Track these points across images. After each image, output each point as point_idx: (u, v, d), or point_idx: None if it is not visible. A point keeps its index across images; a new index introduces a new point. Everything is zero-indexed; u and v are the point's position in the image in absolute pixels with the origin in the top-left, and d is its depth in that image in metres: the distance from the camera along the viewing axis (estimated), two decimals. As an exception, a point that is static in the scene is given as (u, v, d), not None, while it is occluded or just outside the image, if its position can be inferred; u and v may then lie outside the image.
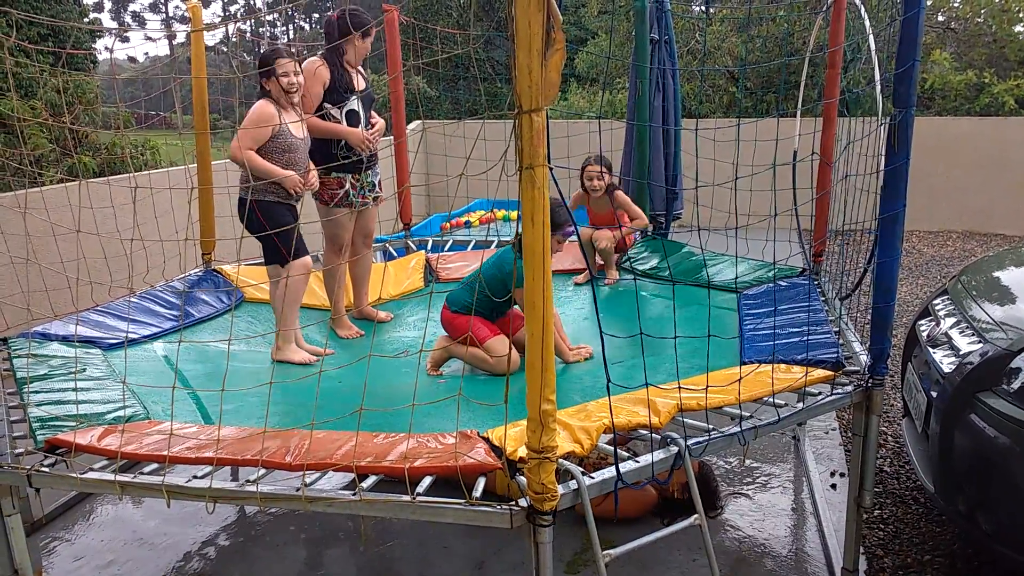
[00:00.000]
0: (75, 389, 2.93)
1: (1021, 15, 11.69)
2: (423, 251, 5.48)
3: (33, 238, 3.95)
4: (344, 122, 4.15)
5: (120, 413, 2.78)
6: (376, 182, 4.42)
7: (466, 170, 2.53)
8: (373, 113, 4.35)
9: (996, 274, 3.73)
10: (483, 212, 8.60)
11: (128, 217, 3.78)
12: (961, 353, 3.01)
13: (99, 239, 3.47)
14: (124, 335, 3.72)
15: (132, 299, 4.12)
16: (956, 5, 12.67)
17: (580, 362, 3.69)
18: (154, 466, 2.42)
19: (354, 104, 4.17)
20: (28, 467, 2.42)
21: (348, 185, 4.23)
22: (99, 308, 3.96)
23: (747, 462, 4.07)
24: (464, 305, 3.68)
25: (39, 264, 3.64)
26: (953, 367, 2.97)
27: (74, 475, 2.39)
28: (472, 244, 5.74)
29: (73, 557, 3.43)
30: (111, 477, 2.35)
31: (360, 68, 4.33)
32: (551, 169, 1.95)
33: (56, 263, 3.68)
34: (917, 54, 2.53)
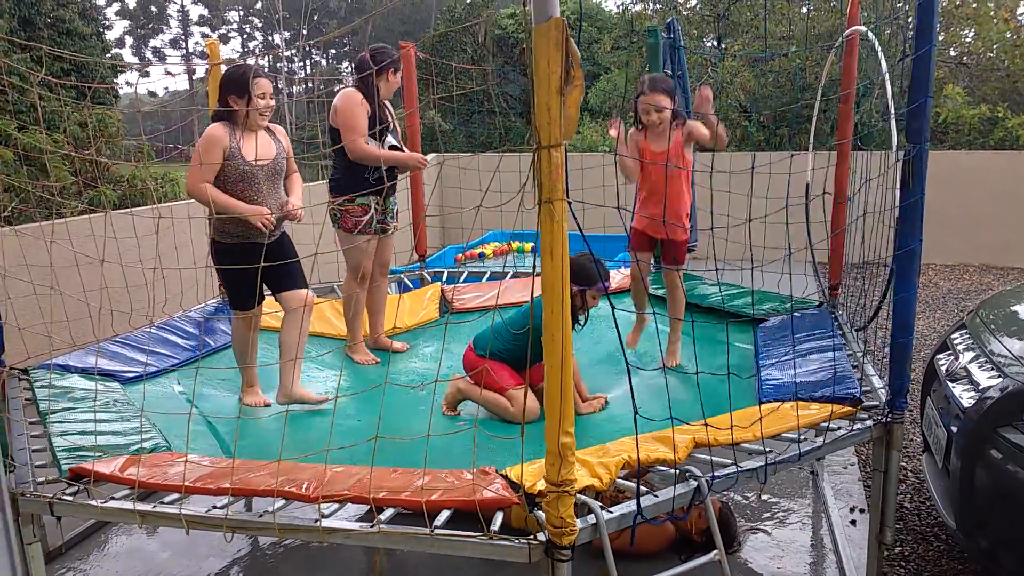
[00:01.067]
0: (95, 420, 2.96)
1: (1033, 50, 11.73)
2: (438, 283, 5.51)
3: (55, 269, 4.00)
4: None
5: (142, 445, 2.80)
6: (395, 210, 4.48)
7: (482, 203, 2.56)
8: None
9: (1014, 308, 3.71)
10: (497, 244, 8.65)
11: (147, 248, 3.83)
12: (980, 388, 2.99)
13: (120, 270, 3.53)
14: (142, 368, 3.75)
15: (150, 330, 4.17)
16: (968, 40, 12.74)
17: (595, 412, 3.67)
18: (173, 496, 2.43)
19: (393, 139, 4.26)
20: (50, 495, 2.44)
21: (373, 211, 4.28)
22: (118, 339, 4.00)
23: (765, 497, 4.03)
24: (492, 351, 3.60)
25: (61, 294, 3.69)
26: (972, 402, 2.95)
27: (95, 503, 2.41)
28: (487, 275, 5.77)
29: (88, 588, 3.43)
30: (131, 506, 2.36)
31: (387, 104, 4.43)
32: (569, 203, 1.98)
33: (78, 293, 3.73)
34: (929, 90, 2.56)
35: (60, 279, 4.16)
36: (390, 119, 4.36)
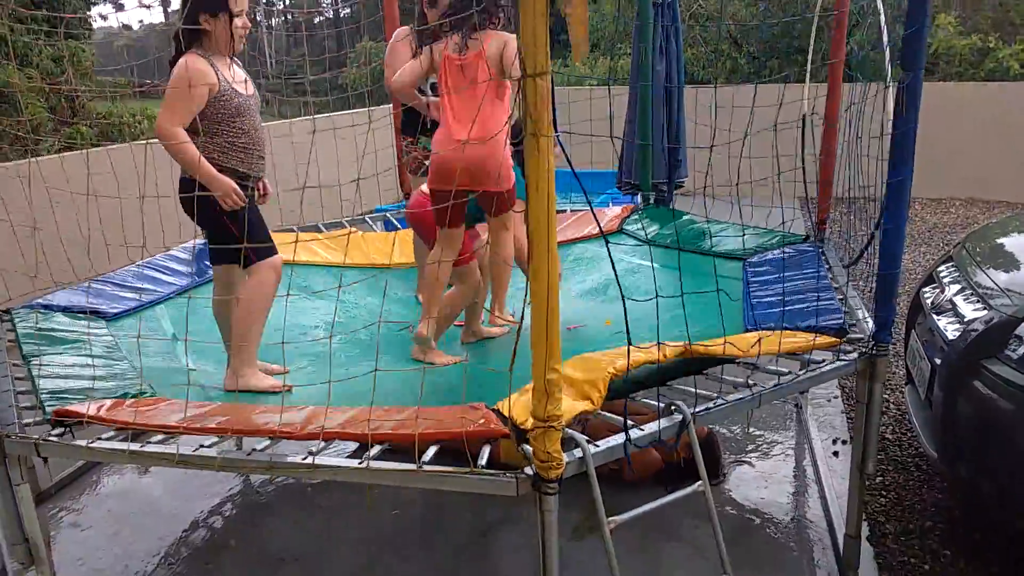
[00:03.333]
0: (79, 363, 2.93)
1: (1029, -22, 11.53)
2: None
3: (33, 209, 3.92)
4: (429, 93, 4.09)
5: (127, 391, 2.78)
6: None
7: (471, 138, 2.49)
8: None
9: (1000, 241, 3.72)
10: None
11: (127, 188, 3.74)
12: (965, 320, 3.01)
13: (99, 210, 3.44)
14: (127, 303, 3.71)
15: (132, 268, 4.12)
16: (962, -32, 12.49)
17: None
18: (161, 436, 2.42)
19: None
20: (36, 436, 2.43)
21: None
22: (100, 278, 3.95)
23: (749, 430, 4.09)
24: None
25: (39, 233, 3.60)
26: (957, 334, 2.97)
27: (82, 444, 2.40)
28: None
29: (79, 527, 3.46)
30: (121, 446, 2.35)
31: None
32: (557, 136, 1.93)
33: (55, 234, 3.65)
34: (927, 14, 2.49)
35: (38, 219, 4.08)
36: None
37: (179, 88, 2.88)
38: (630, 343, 2.31)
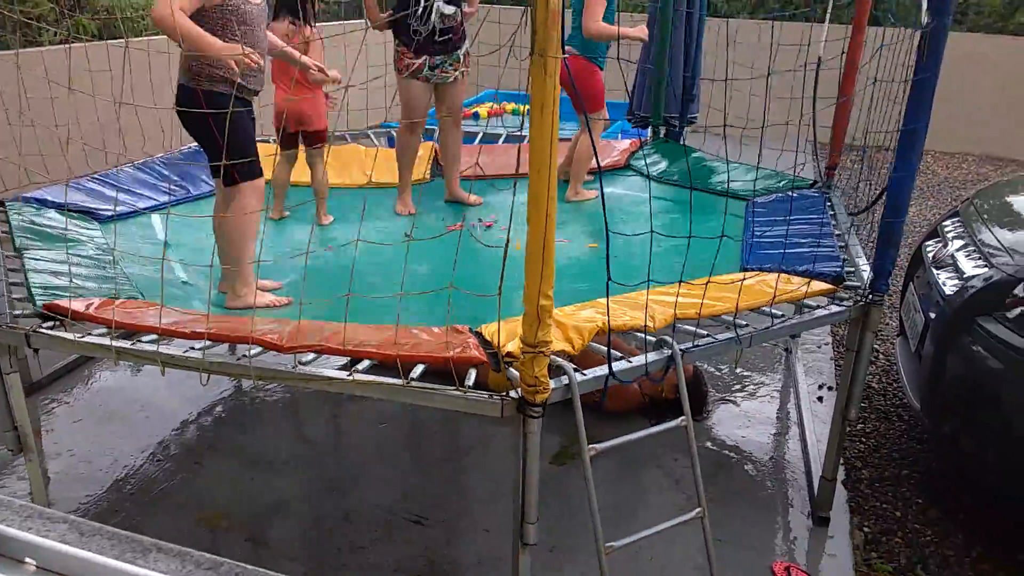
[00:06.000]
0: (77, 264, 2.91)
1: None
2: (431, 142, 5.34)
3: (31, 101, 3.84)
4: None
5: (116, 292, 2.77)
6: (461, 55, 4.23)
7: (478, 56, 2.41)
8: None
9: (1010, 199, 3.66)
10: (491, 104, 8.38)
11: (125, 85, 3.65)
12: (965, 276, 2.99)
13: (96, 105, 3.37)
14: (122, 207, 3.67)
15: (128, 169, 4.06)
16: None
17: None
18: (150, 338, 2.43)
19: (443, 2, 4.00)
20: (27, 328, 2.44)
21: (422, 61, 4.12)
22: (96, 176, 3.91)
23: (737, 370, 4.11)
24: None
25: (35, 126, 3.52)
26: (955, 290, 2.96)
27: (71, 337, 2.40)
28: (480, 137, 5.61)
29: (71, 418, 3.51)
30: (108, 342, 2.36)
31: None
32: (565, 59, 1.86)
33: (52, 127, 3.58)
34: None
35: (35, 111, 4.00)
36: None
37: None
38: (609, 293, 2.29)
